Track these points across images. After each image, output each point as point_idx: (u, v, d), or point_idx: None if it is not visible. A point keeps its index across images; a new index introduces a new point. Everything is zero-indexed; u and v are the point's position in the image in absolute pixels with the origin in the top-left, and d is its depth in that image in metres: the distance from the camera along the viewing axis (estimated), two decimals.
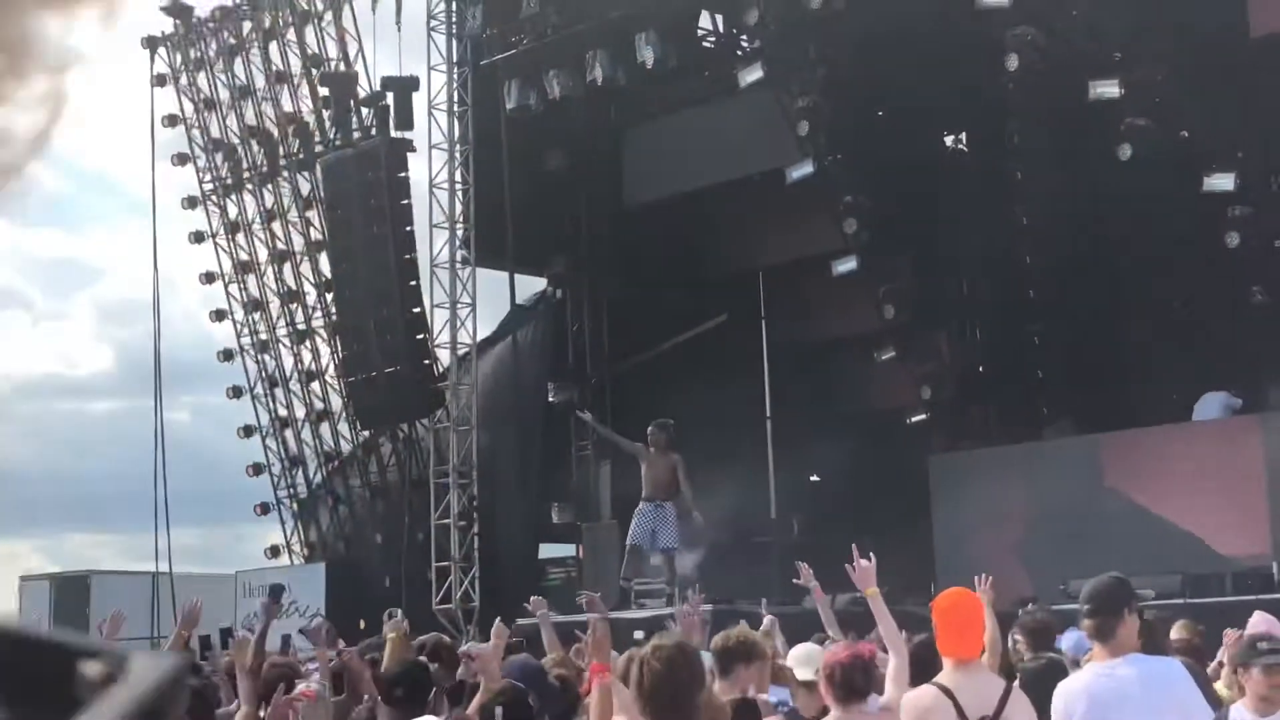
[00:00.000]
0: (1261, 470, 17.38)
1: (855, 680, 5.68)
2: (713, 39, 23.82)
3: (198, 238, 28.24)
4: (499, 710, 5.16)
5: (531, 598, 9.38)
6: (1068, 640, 8.83)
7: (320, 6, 25.76)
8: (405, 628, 8.59)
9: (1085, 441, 19.88)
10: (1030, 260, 21.81)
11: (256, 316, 27.73)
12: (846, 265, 20.80)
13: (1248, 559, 16.68)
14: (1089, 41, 18.35)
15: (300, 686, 6.55)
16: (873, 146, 21.00)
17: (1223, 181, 17.78)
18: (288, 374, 27.67)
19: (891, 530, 20.89)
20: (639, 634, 10.20)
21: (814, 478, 24.88)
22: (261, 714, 6.34)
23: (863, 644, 6.42)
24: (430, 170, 23.35)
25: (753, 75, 20.60)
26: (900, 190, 20.95)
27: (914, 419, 22.33)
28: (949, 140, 23.78)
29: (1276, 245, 18.56)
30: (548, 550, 25.24)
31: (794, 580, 9.22)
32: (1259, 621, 8.82)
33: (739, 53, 22.73)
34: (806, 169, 20.39)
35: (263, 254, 27.66)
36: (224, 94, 27.55)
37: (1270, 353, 19.13)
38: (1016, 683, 6.13)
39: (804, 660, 6.50)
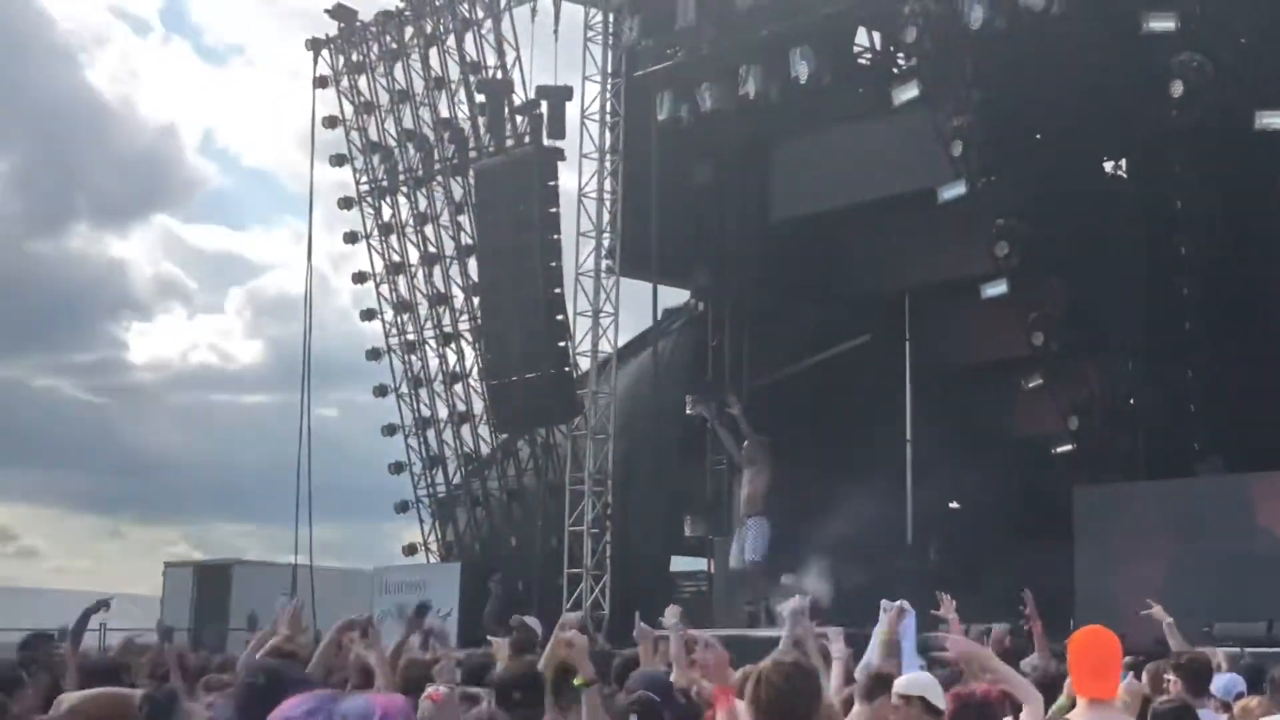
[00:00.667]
0: None
1: None
2: (868, 56, 23.63)
3: (352, 238, 28.76)
4: (633, 717, 5.10)
5: (668, 608, 9.19)
6: (1219, 683, 8.51)
7: (480, 14, 26.08)
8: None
9: (1237, 480, 19.28)
10: (1187, 292, 21.17)
11: (405, 317, 28.15)
12: (996, 289, 20.41)
13: None
14: (1256, 71, 17.82)
15: (429, 689, 6.57)
16: (1028, 169, 20.61)
17: None
18: (432, 375, 28.03)
19: (1030, 562, 20.50)
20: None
21: (953, 504, 24.51)
22: None
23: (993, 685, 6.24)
24: (580, 179, 23.54)
25: (908, 93, 20.38)
26: (1054, 214, 20.51)
27: (1059, 449, 21.84)
28: (1108, 166, 23.25)
29: None
30: (679, 563, 25.21)
31: (933, 611, 8.95)
32: None
33: (894, 70, 22.53)
34: (959, 189, 20.09)
35: (414, 256, 28.08)
36: (383, 97, 28.02)
37: None
38: None
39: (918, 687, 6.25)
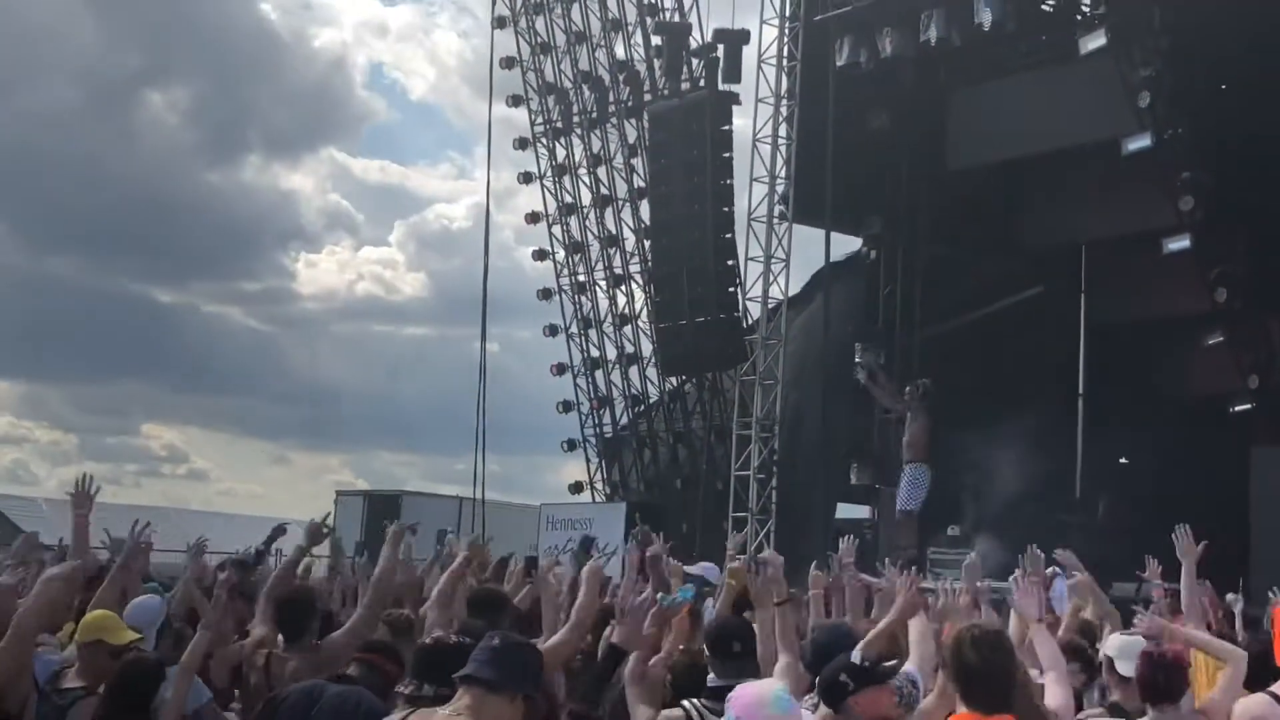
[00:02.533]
0: None
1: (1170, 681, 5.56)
2: (1052, 3, 23.15)
3: (526, 178, 29.13)
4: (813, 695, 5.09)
5: (842, 541, 9.16)
6: None
7: None
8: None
9: None
10: None
11: (576, 258, 28.47)
12: (1179, 243, 19.96)
13: None
14: None
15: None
16: (1215, 121, 20.06)
17: None
18: (602, 316, 28.33)
19: (1202, 522, 20.08)
20: None
21: (1123, 460, 24.13)
22: None
23: (1176, 645, 6.24)
24: (754, 124, 23.53)
25: (1095, 42, 19.97)
26: (1241, 168, 19.97)
27: (1238, 408, 21.36)
28: None
29: None
30: (844, 510, 25.22)
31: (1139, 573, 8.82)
32: None
33: (1079, 18, 22.06)
34: (1144, 141, 19.65)
35: (586, 198, 28.35)
36: (560, 39, 28.25)
37: None
38: None
39: (1123, 652, 6.25)
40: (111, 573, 7.21)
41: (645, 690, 5.76)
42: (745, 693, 4.15)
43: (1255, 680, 6.19)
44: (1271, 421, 20.62)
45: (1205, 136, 19.85)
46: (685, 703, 5.53)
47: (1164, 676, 5.57)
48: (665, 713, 5.55)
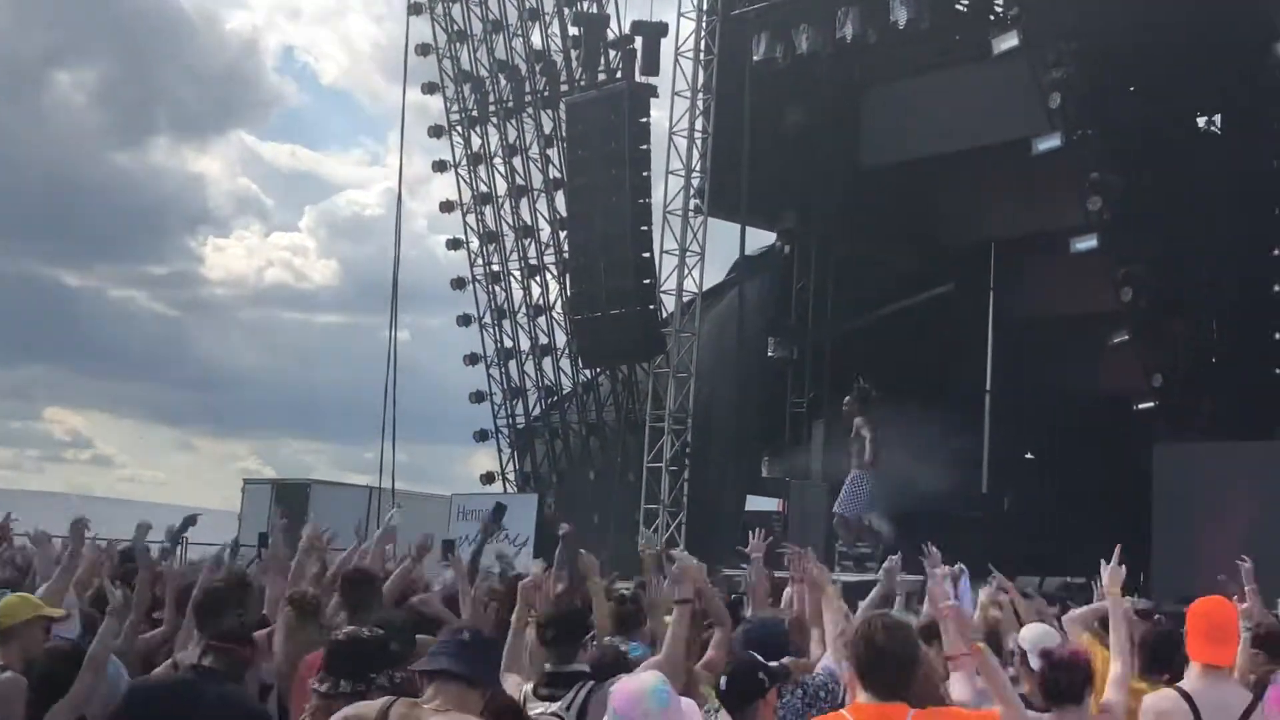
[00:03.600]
0: None
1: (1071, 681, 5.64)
2: (966, 2, 23.41)
3: (440, 166, 28.97)
4: (722, 679, 5.16)
5: (752, 535, 9.25)
6: None
7: None
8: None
9: None
10: (1278, 253, 20.99)
11: (491, 248, 28.37)
12: (1086, 243, 20.27)
13: None
14: None
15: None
16: (1124, 123, 20.40)
17: None
18: (516, 307, 28.27)
19: (1104, 516, 20.56)
20: None
21: (1029, 456, 24.51)
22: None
23: (1079, 646, 6.34)
24: (671, 117, 23.57)
25: (1008, 43, 20.23)
26: (1149, 170, 20.34)
27: (1141, 406, 21.75)
28: (1201, 122, 22.95)
29: None
30: (754, 503, 25.36)
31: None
32: None
33: (992, 18, 22.33)
34: (1054, 141, 19.94)
35: (501, 187, 28.26)
36: (476, 26, 28.12)
37: None
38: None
39: (1036, 645, 6.32)
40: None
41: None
42: (625, 687, 4.19)
43: (1154, 667, 6.34)
44: (1173, 419, 21.02)
45: (1114, 138, 20.17)
46: (525, 686, 5.74)
47: (1064, 676, 5.60)
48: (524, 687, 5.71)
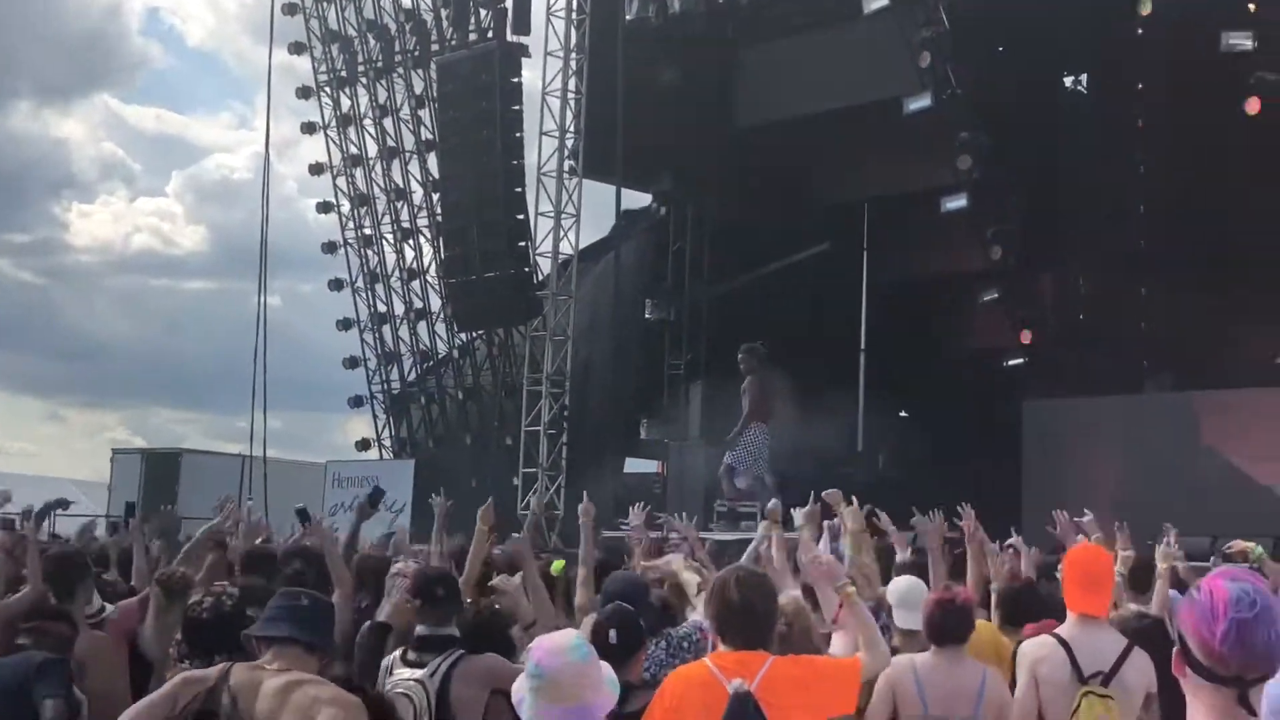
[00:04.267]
0: None
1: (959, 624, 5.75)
2: None
3: (309, 128, 28.46)
4: (612, 633, 5.16)
5: (632, 509, 9.39)
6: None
7: None
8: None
9: (1183, 398, 19.61)
10: (1144, 210, 21.39)
11: (362, 211, 27.97)
12: (956, 202, 20.50)
13: None
14: None
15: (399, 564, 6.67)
16: (993, 83, 20.62)
17: None
18: (389, 271, 27.93)
19: (977, 473, 20.82)
20: None
21: (903, 414, 24.77)
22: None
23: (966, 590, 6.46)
24: (544, 77, 23.30)
25: (878, 2, 20.28)
26: (1017, 130, 20.59)
27: (1011, 362, 22.09)
28: (1068, 81, 23.28)
29: None
30: (632, 465, 25.38)
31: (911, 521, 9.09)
32: None
33: None
34: (925, 101, 20.08)
35: (372, 149, 27.85)
36: None
37: None
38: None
39: (904, 600, 6.40)
40: None
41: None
42: (546, 641, 4.16)
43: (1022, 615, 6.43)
44: (1042, 376, 21.38)
45: (983, 97, 20.38)
46: (394, 653, 5.69)
47: (953, 620, 5.74)
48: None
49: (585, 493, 7.95)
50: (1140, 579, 7.69)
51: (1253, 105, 17.63)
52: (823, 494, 8.22)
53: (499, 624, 6.05)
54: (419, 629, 5.71)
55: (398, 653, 5.70)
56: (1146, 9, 17.75)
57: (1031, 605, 6.76)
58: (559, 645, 4.09)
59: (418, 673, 5.53)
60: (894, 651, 6.21)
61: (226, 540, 8.04)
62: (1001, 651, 6.12)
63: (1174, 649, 2.72)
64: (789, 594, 5.90)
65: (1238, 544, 9.62)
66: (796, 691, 4.64)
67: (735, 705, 4.51)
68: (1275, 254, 19.89)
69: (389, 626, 5.77)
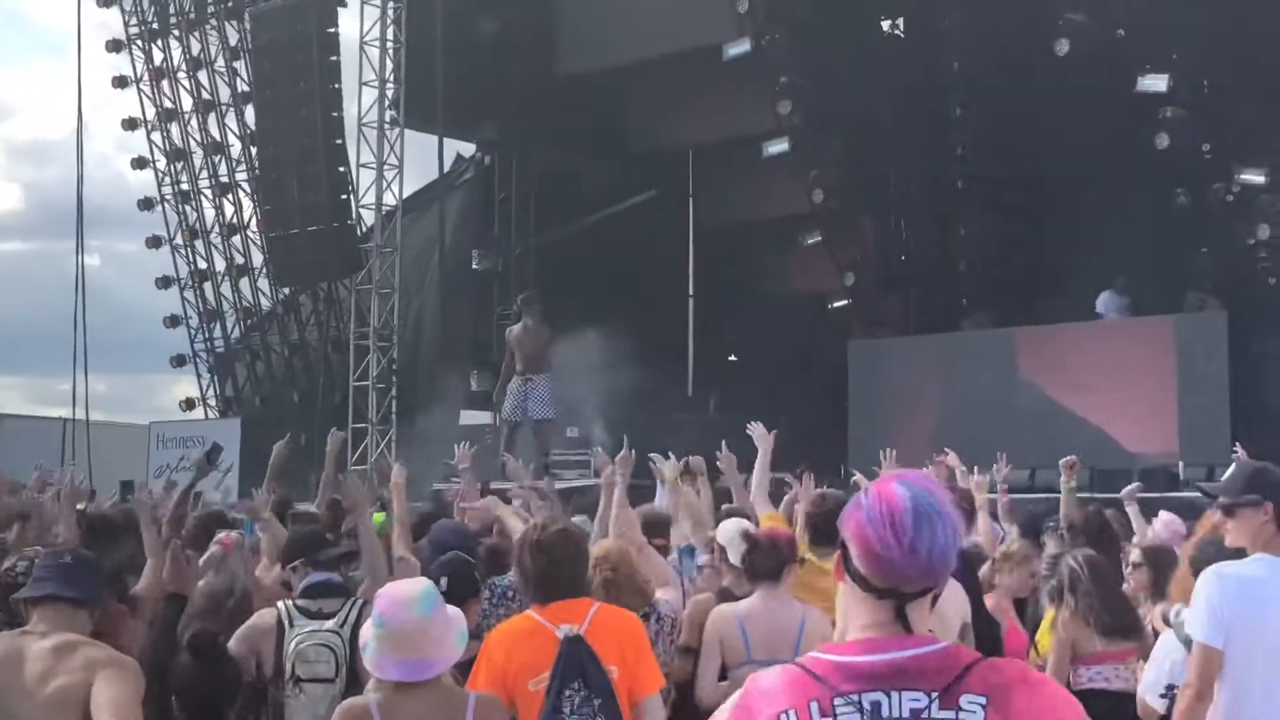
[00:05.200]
0: (1173, 371, 17.71)
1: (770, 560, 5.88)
2: None
3: (121, 83, 27.61)
4: (444, 581, 5.16)
5: (458, 448, 9.34)
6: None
7: None
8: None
9: (1001, 335, 20.12)
10: (961, 151, 21.85)
11: (179, 166, 27.27)
12: (778, 147, 20.70)
13: (1155, 456, 17.03)
14: None
15: (221, 535, 6.57)
16: (811, 28, 20.80)
17: (1156, 82, 17.87)
18: (209, 226, 27.31)
19: (807, 413, 21.18)
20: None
21: (732, 358, 25.03)
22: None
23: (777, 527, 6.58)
24: (362, 26, 22.87)
25: None
26: (836, 74, 20.82)
27: (835, 304, 22.46)
28: (885, 25, 23.60)
29: (1203, 149, 18.72)
30: (466, 417, 25.23)
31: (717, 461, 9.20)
32: (1162, 521, 9.04)
33: None
34: (743, 47, 20.20)
35: (187, 103, 27.15)
36: None
37: (1187, 255, 19.40)
38: None
39: (732, 540, 6.54)
40: None
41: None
42: (391, 590, 4.22)
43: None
44: (865, 316, 21.80)
45: (801, 42, 20.56)
46: (280, 604, 5.61)
47: (763, 557, 5.87)
48: (261, 613, 5.60)
49: (398, 463, 7.86)
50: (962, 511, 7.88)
51: (1062, 47, 18.06)
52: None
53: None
54: (311, 576, 5.65)
55: (285, 605, 5.59)
56: None
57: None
58: (404, 597, 4.11)
59: (327, 623, 5.48)
60: (725, 593, 6.32)
61: (29, 511, 7.73)
62: (820, 583, 6.23)
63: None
64: (613, 541, 5.95)
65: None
66: (624, 639, 4.70)
67: (567, 650, 4.55)
68: (1087, 192, 20.51)
69: (183, 597, 5.62)
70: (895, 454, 8.70)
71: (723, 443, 8.77)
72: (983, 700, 2.35)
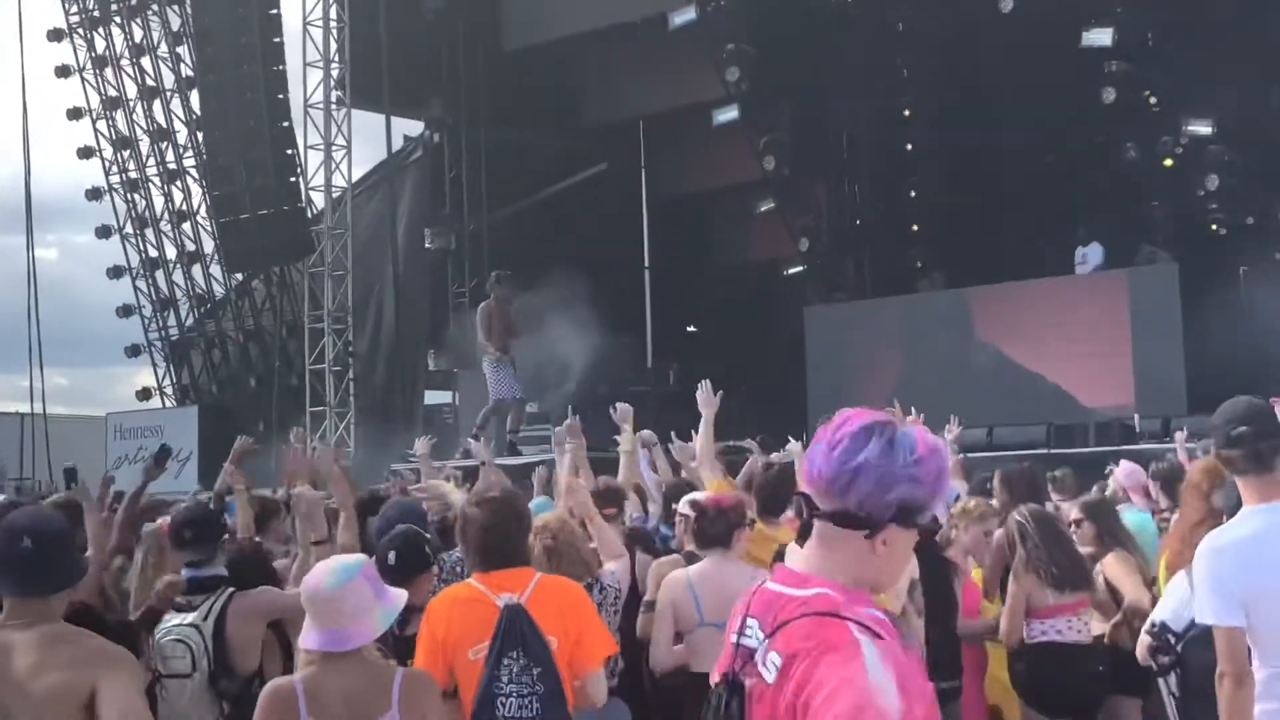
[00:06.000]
0: (1127, 325, 17.79)
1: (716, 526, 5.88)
2: None
3: (63, 72, 27.30)
4: (391, 554, 5.15)
5: (417, 440, 9.39)
6: None
7: None
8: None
9: (956, 295, 20.16)
10: (910, 113, 21.84)
11: (126, 154, 27.00)
12: (728, 115, 20.67)
13: (1111, 410, 17.12)
14: None
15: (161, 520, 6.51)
16: None
17: (1101, 36, 17.91)
18: (158, 214, 27.07)
19: (766, 380, 21.21)
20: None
21: (690, 328, 25.00)
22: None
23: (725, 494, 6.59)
24: (304, 7, 22.69)
25: None
26: (783, 40, 20.77)
27: (790, 271, 22.46)
28: None
29: (1150, 102, 18.77)
30: (428, 398, 25.16)
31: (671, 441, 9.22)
32: (1124, 471, 9.08)
33: None
34: (689, 15, 20.13)
35: (131, 90, 26.86)
36: None
37: (1138, 208, 19.48)
38: None
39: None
40: None
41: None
42: (321, 563, 4.27)
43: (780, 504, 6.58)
44: (819, 282, 21.82)
45: (747, 8, 20.50)
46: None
47: (711, 523, 5.88)
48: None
49: (335, 450, 7.84)
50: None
51: (1006, 4, 18.06)
52: (616, 406, 8.37)
53: (261, 556, 5.98)
54: (184, 571, 5.56)
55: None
56: None
57: (789, 493, 6.90)
58: (324, 567, 4.13)
59: (189, 616, 5.39)
60: (691, 556, 6.33)
61: None
62: (766, 549, 6.24)
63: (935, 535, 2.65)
64: (555, 511, 5.94)
65: None
66: (566, 609, 4.67)
67: (508, 617, 4.53)
68: (1033, 149, 20.57)
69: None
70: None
71: (671, 434, 8.79)
72: (778, 662, 2.41)
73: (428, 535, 5.80)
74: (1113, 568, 6.72)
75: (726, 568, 5.89)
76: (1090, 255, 19.15)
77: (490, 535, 4.74)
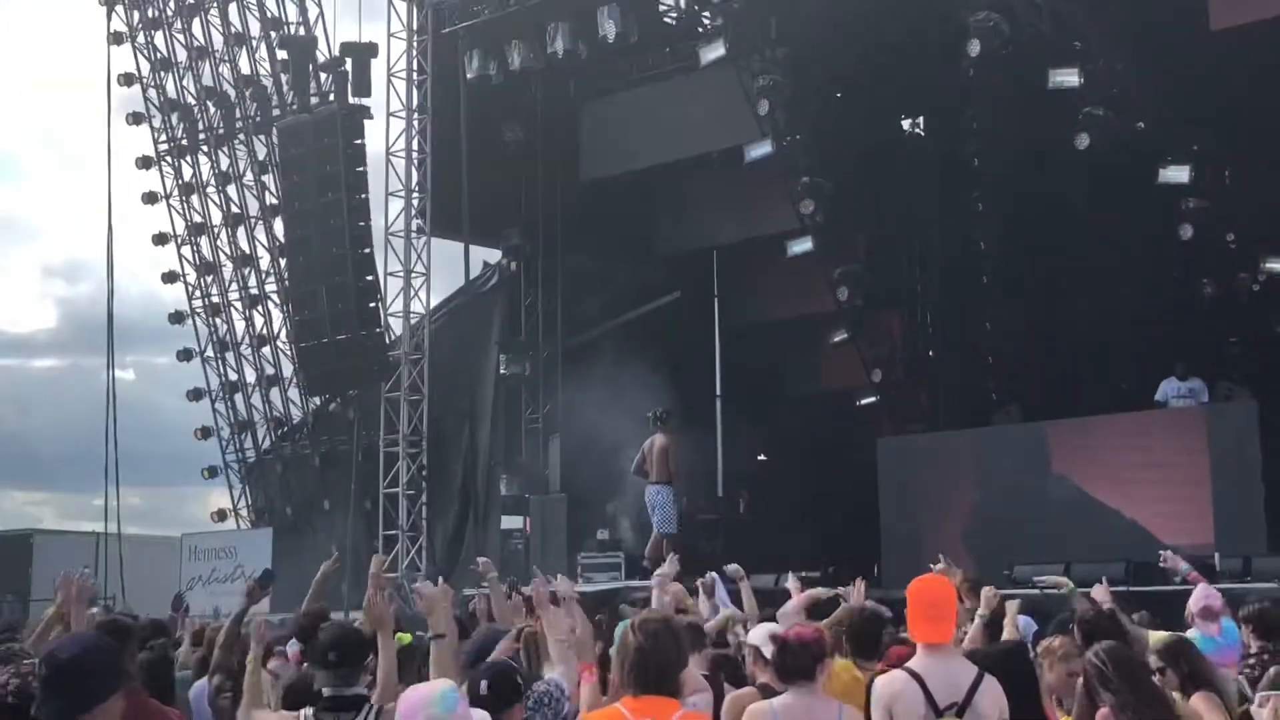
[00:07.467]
0: (1206, 461, 17.56)
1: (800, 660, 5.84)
2: (675, 15, 23.72)
3: (151, 198, 28.02)
4: (483, 684, 5.22)
5: (479, 559, 9.41)
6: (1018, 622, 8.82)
7: None
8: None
9: (1033, 428, 20.00)
10: (985, 246, 21.94)
11: (209, 279, 27.58)
12: (802, 246, 20.86)
13: (1190, 548, 16.79)
14: (1051, 29, 18.34)
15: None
16: (832, 128, 20.97)
17: (1178, 174, 17.91)
18: (239, 338, 27.55)
19: (837, 511, 21.12)
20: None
21: (761, 457, 24.97)
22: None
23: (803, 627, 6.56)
24: (388, 138, 23.23)
25: (714, 53, 20.55)
26: (858, 173, 20.99)
27: (863, 401, 22.45)
28: (906, 124, 23.82)
29: (1228, 239, 18.72)
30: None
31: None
32: (1201, 594, 8.89)
33: (700, 29, 22.67)
34: (765, 148, 20.40)
35: (216, 217, 27.51)
36: (181, 54, 27.31)
37: (1217, 345, 19.35)
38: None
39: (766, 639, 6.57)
40: None
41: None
42: (413, 693, 4.27)
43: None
44: (893, 413, 21.76)
45: (822, 142, 20.73)
46: (302, 711, 5.65)
47: (792, 657, 5.83)
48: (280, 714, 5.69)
49: (419, 583, 7.83)
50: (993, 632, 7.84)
51: (1083, 140, 18.16)
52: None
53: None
54: (326, 690, 5.65)
55: (307, 711, 5.64)
56: (975, 50, 18.15)
57: (883, 637, 6.86)
58: (423, 698, 4.16)
59: None
60: (765, 689, 6.29)
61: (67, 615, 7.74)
62: (855, 688, 6.19)
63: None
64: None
65: (1050, 579, 9.81)
66: None
67: None
68: (1109, 283, 20.53)
69: None
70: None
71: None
72: None
73: (517, 665, 5.86)
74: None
75: (811, 702, 5.84)
76: (1195, 389, 18.92)
77: (641, 659, 4.76)
